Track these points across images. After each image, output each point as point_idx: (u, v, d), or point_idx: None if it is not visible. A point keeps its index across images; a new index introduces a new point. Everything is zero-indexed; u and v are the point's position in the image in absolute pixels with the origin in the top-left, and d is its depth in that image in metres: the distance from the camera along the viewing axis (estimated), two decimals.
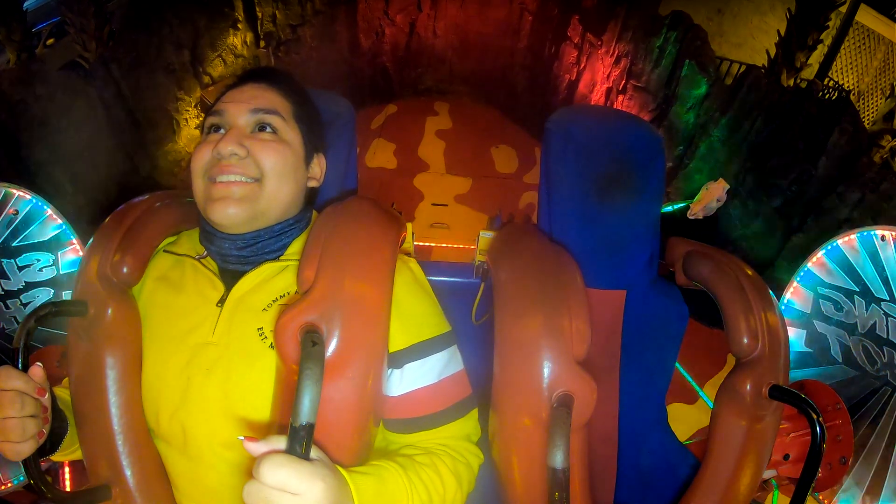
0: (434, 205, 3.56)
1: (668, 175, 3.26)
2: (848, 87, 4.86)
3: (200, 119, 3.09)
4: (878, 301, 0.96)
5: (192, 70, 3.03)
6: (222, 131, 0.73)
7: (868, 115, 4.72)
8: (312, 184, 0.83)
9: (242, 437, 0.49)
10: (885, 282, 0.95)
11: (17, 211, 0.96)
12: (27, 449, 0.61)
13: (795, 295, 1.08)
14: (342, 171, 0.95)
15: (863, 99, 4.91)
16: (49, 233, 1.01)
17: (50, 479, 0.99)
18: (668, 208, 2.98)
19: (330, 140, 0.90)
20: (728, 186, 2.69)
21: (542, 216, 0.97)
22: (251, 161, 0.71)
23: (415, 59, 4.52)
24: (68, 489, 0.99)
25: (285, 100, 0.78)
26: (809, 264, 1.05)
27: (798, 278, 1.07)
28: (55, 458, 0.73)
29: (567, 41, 3.95)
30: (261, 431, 0.66)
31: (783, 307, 1.10)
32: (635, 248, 0.93)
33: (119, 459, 0.69)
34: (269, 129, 0.74)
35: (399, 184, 3.73)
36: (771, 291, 0.83)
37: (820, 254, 1.04)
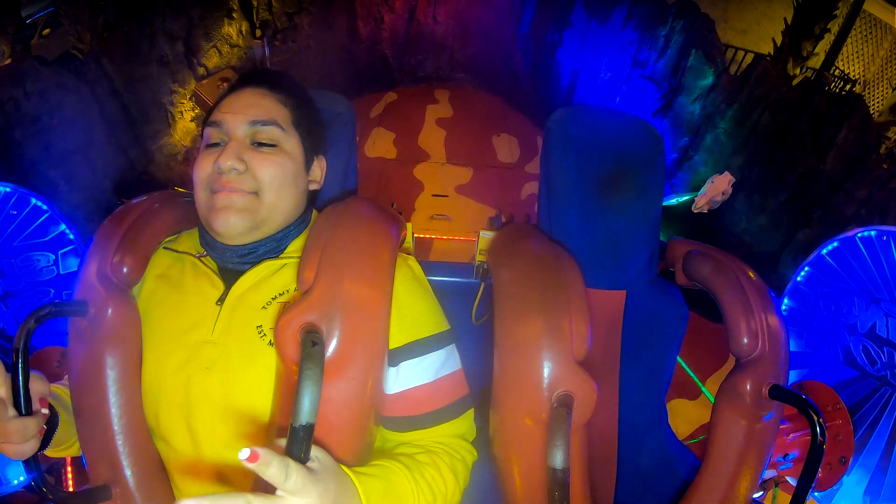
0: (434, 196, 3.53)
1: (673, 166, 3.24)
2: (854, 76, 4.81)
3: (196, 112, 3.05)
4: (878, 301, 0.95)
5: (187, 62, 2.98)
6: (222, 143, 0.73)
7: (874, 104, 4.67)
8: (313, 187, 0.83)
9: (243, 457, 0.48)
10: (886, 282, 0.95)
11: (17, 211, 0.95)
12: (29, 449, 0.62)
13: (795, 295, 1.08)
14: (342, 171, 0.94)
15: (868, 88, 4.86)
16: (49, 233, 1.01)
17: (53, 478, 1.00)
18: (673, 201, 2.96)
19: (330, 140, 0.89)
20: (734, 179, 2.67)
21: (542, 216, 0.96)
22: (250, 175, 0.71)
23: (414, 45, 4.46)
24: (71, 489, 1.00)
25: (283, 106, 0.77)
26: (809, 264, 1.05)
27: (798, 278, 1.06)
28: (51, 454, 0.74)
29: (571, 28, 3.89)
30: (261, 431, 0.67)
31: (783, 307, 1.10)
32: (635, 248, 0.92)
33: (119, 459, 0.69)
34: (268, 143, 0.74)
35: (398, 174, 3.70)
36: (771, 291, 0.83)
37: (820, 253, 1.04)
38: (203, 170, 0.72)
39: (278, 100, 0.77)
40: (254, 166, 0.71)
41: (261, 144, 0.73)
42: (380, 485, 0.58)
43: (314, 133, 0.81)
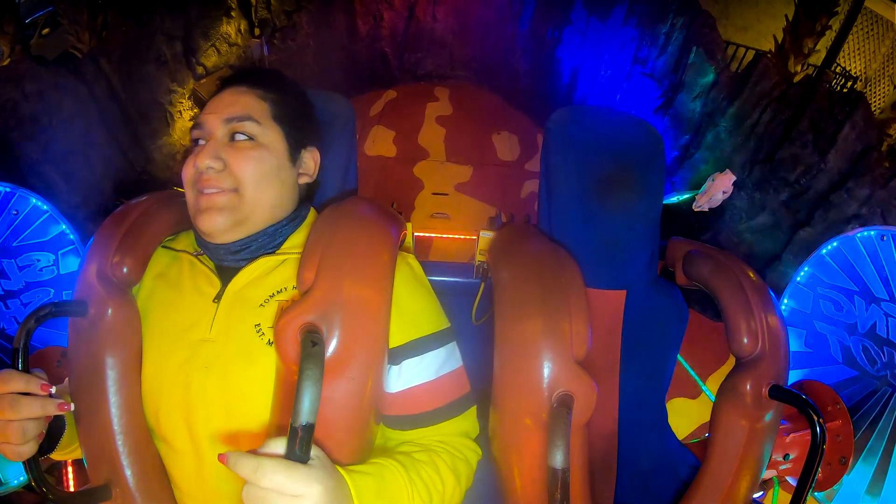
0: (434, 194, 3.53)
1: (674, 164, 3.23)
2: (855, 73, 4.81)
3: (195, 111, 3.05)
4: (878, 301, 0.95)
5: (185, 61, 2.98)
6: (203, 143, 0.74)
7: (875, 101, 4.67)
8: (305, 180, 0.81)
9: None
10: (885, 282, 0.95)
11: (17, 211, 0.96)
12: (28, 451, 0.62)
13: (795, 295, 1.08)
14: (342, 171, 0.94)
15: (870, 85, 4.86)
16: (49, 233, 1.01)
17: (53, 478, 1.00)
18: (674, 199, 2.95)
19: (330, 140, 0.89)
20: (735, 178, 2.66)
21: (542, 216, 0.96)
22: (228, 173, 0.71)
23: (414, 43, 4.46)
24: (72, 489, 1.01)
25: (262, 101, 0.77)
26: (809, 263, 1.05)
27: (798, 277, 1.06)
28: (55, 456, 0.74)
29: (571, 25, 3.89)
30: (260, 430, 0.67)
31: (783, 307, 1.10)
32: (635, 248, 0.92)
33: (119, 459, 0.69)
34: (244, 137, 0.74)
35: (398, 172, 3.70)
36: (771, 291, 0.83)
37: (820, 253, 1.04)
38: (187, 172, 0.73)
39: (257, 95, 0.76)
40: (231, 163, 0.71)
41: (238, 140, 0.73)
42: (372, 482, 0.59)
43: (300, 125, 0.80)
